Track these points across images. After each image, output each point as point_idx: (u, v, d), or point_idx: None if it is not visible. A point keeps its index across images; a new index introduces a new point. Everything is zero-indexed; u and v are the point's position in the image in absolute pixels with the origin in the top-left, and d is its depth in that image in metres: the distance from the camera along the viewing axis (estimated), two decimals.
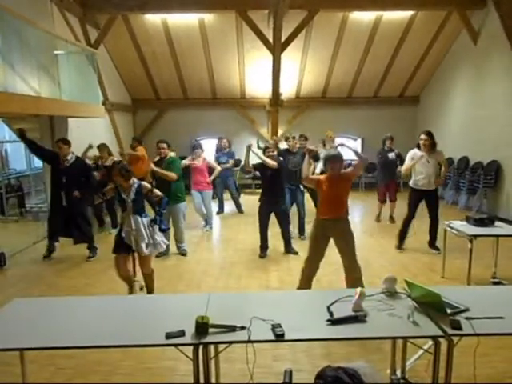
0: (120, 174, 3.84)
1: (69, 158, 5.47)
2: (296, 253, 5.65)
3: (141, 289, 4.18)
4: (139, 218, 3.91)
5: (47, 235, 5.73)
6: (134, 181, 3.96)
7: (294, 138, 6.92)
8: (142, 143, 8.55)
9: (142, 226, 3.90)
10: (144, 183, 4.06)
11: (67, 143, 5.51)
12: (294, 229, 6.29)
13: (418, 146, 5.52)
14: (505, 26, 7.50)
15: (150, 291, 4.13)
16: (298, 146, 6.60)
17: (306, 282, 3.99)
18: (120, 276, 4.03)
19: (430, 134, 5.45)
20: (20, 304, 2.66)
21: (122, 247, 3.94)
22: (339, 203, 3.84)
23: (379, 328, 2.25)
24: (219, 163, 8.23)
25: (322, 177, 3.98)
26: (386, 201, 7.50)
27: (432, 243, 5.67)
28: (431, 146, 5.43)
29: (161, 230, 4.02)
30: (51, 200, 5.67)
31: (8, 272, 5.25)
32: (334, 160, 3.82)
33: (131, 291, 4.08)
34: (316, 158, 7.32)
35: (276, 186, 5.52)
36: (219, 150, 8.98)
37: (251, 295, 3.16)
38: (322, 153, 5.35)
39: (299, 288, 3.96)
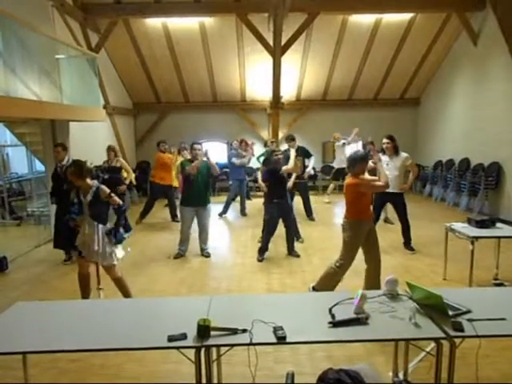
0: (73, 172, 3.68)
1: (64, 162, 5.45)
2: (298, 255, 5.65)
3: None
4: (95, 224, 3.76)
5: (53, 245, 5.65)
6: (94, 183, 3.81)
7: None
8: None
9: (95, 232, 3.75)
10: (103, 187, 3.79)
11: (65, 148, 5.55)
12: None
13: (383, 151, 5.71)
14: (502, 27, 7.50)
15: (126, 297, 3.95)
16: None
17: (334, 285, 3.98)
18: (79, 276, 3.97)
19: (391, 138, 5.70)
20: (22, 307, 2.66)
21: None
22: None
23: (381, 330, 2.25)
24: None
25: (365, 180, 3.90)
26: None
27: (407, 244, 5.86)
28: (394, 150, 5.66)
29: (117, 241, 3.82)
30: (57, 211, 5.58)
31: (10, 276, 5.25)
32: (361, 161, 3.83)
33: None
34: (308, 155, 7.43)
35: (282, 188, 5.59)
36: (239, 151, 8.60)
37: (253, 298, 3.17)
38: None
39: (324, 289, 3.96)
